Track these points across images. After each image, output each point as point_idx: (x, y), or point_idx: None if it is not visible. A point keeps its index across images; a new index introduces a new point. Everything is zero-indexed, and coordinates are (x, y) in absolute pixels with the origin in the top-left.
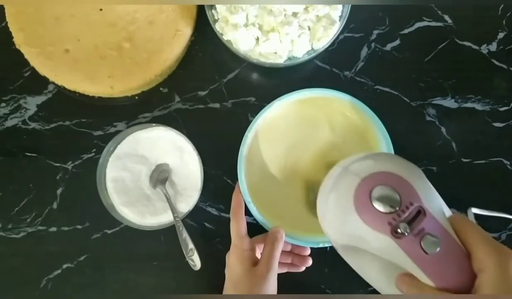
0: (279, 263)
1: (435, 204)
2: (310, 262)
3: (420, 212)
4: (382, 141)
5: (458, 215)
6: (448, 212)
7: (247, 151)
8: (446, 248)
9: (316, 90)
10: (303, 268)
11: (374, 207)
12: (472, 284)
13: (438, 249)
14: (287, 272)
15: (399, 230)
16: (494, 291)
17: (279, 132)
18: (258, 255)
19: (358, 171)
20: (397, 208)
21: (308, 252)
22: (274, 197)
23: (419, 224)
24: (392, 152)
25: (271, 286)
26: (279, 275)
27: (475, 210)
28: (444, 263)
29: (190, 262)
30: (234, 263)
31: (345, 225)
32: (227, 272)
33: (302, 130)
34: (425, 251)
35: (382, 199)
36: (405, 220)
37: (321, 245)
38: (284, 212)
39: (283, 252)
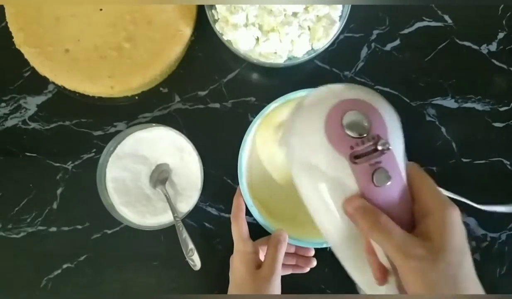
0: (284, 264)
1: (400, 147)
2: (314, 263)
3: (384, 146)
4: None
5: (417, 165)
6: (405, 158)
7: (247, 153)
8: (394, 186)
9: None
10: (308, 269)
11: (343, 129)
12: (408, 228)
13: (388, 184)
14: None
15: (357, 156)
16: (442, 235)
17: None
18: (262, 258)
19: (338, 93)
20: (364, 135)
21: (313, 253)
22: (276, 199)
23: (378, 157)
24: None
25: (275, 289)
26: (282, 276)
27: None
28: (388, 199)
29: (190, 262)
30: (237, 266)
31: (310, 141)
32: (231, 275)
33: None
34: (374, 183)
35: (352, 124)
36: (367, 148)
37: (325, 245)
38: (286, 213)
39: (287, 253)
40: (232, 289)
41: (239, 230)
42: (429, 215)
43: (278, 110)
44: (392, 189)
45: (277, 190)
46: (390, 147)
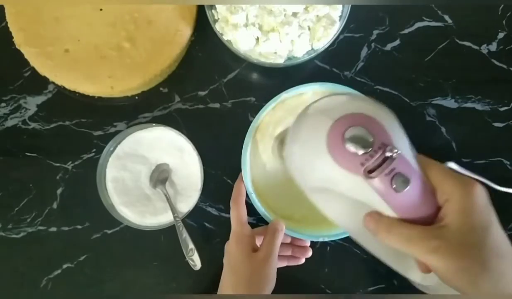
0: (279, 256)
1: (405, 145)
2: (310, 252)
3: (392, 152)
4: None
5: (422, 155)
6: (414, 152)
7: (251, 144)
8: (415, 185)
9: (322, 84)
10: (303, 260)
11: (347, 148)
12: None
13: (408, 187)
14: (287, 267)
15: (370, 170)
16: (459, 217)
17: (282, 128)
18: (258, 245)
19: (330, 112)
20: (370, 149)
21: (309, 243)
22: (276, 195)
23: (390, 164)
24: None
25: (272, 271)
26: (278, 272)
27: (452, 165)
28: (413, 199)
29: (190, 262)
30: (233, 249)
31: (316, 167)
32: (225, 259)
33: None
34: (395, 190)
35: (355, 140)
36: (377, 160)
37: (321, 239)
38: (285, 210)
39: (282, 244)
40: (226, 273)
41: (238, 213)
42: (448, 200)
43: (281, 104)
44: (414, 189)
45: (278, 186)
46: (399, 151)
